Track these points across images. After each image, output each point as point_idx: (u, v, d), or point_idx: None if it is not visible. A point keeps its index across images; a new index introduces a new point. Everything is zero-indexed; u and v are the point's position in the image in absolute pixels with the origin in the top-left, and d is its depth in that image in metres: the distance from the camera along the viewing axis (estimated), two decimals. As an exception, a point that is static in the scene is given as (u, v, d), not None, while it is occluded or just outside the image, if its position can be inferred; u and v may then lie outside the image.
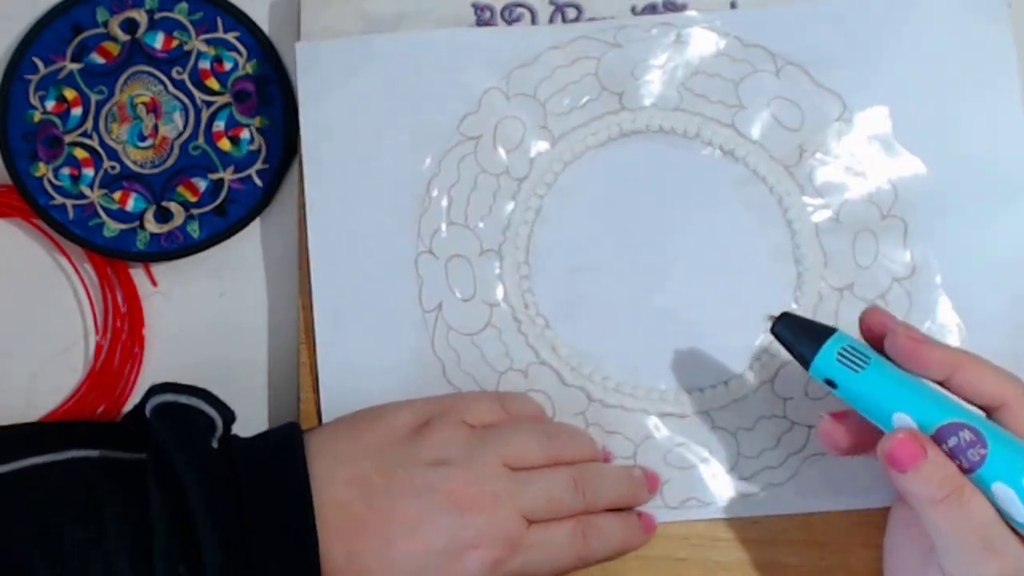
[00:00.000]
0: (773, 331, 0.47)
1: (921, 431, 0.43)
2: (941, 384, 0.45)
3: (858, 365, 0.45)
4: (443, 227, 0.57)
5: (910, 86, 0.57)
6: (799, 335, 0.47)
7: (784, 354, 0.48)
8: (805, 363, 0.46)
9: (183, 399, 0.50)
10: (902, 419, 0.44)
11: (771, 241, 0.56)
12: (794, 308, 0.55)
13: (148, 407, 0.50)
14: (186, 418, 0.50)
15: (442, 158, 0.57)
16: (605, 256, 0.56)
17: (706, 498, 0.54)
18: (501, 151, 0.57)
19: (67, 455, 0.49)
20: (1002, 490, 0.42)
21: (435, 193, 0.57)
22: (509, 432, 0.51)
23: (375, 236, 0.57)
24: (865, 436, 0.47)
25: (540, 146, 0.57)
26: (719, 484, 0.54)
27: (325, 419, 0.55)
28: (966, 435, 0.42)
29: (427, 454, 0.49)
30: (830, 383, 0.46)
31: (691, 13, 0.58)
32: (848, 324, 0.48)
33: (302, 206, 0.57)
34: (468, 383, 0.55)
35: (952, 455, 0.42)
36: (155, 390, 0.51)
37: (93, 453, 0.50)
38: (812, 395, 0.55)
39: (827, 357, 0.45)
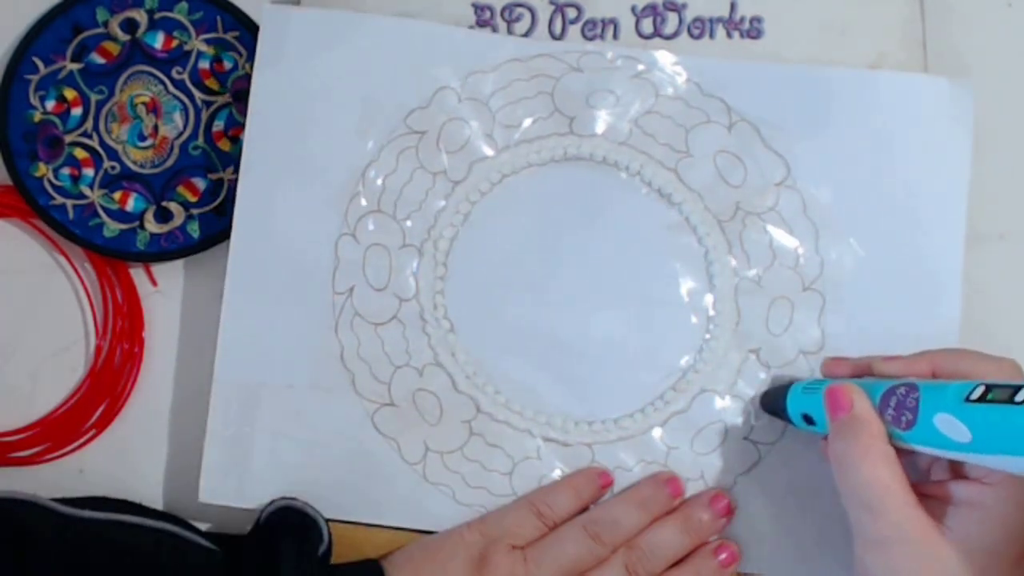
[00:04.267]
0: (761, 405, 0.55)
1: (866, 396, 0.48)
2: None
3: (817, 388, 0.51)
4: (370, 214, 0.57)
5: (858, 166, 0.57)
6: (773, 395, 0.54)
7: (676, 404, 0.55)
8: (783, 411, 0.53)
9: (300, 505, 0.53)
10: None
11: (689, 292, 0.56)
12: (698, 362, 0.56)
13: (269, 509, 0.52)
14: (303, 536, 0.51)
15: (384, 145, 0.57)
16: (522, 274, 0.57)
17: None
18: (443, 151, 0.57)
19: (165, 526, 0.52)
20: (943, 419, 0.44)
21: (369, 178, 0.57)
22: (559, 548, 0.52)
23: (302, 210, 0.56)
24: None
25: (482, 153, 0.57)
26: None
27: (216, 388, 0.55)
28: (901, 390, 0.47)
29: None
30: (807, 419, 0.52)
31: (660, 52, 0.57)
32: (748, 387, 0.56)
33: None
34: (363, 371, 0.55)
35: (898, 411, 0.46)
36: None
37: (192, 536, 0.52)
38: (698, 449, 0.55)
39: (795, 396, 0.52)
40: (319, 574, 0.50)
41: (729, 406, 0.56)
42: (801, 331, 0.56)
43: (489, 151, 0.57)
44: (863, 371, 0.52)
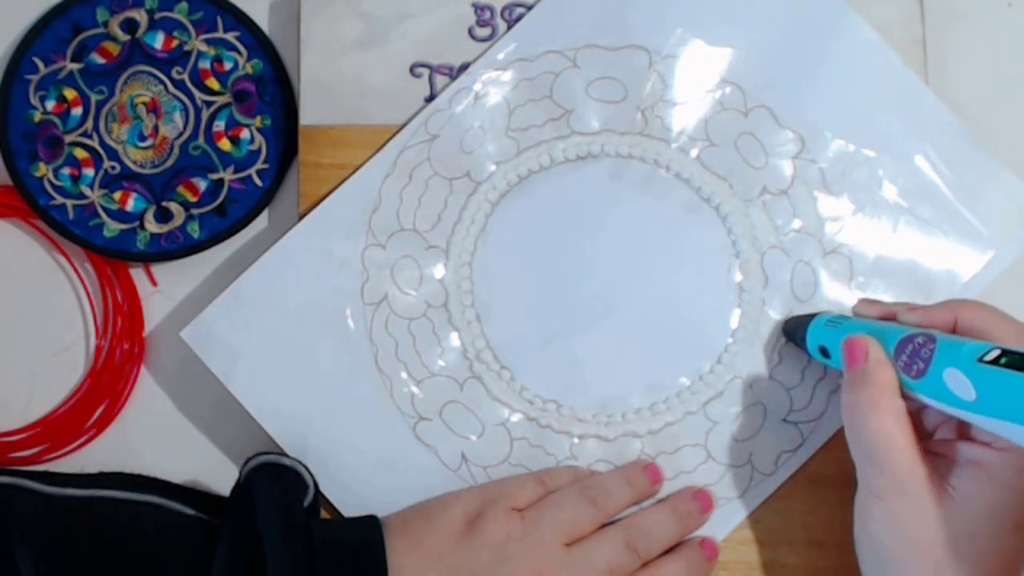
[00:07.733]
0: (783, 330, 0.56)
1: (884, 348, 0.49)
2: (954, 333, 0.49)
3: (839, 324, 0.52)
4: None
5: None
6: (797, 323, 0.55)
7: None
8: (803, 340, 0.54)
9: (283, 460, 0.52)
10: None
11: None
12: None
13: (247, 467, 0.51)
14: (282, 488, 0.51)
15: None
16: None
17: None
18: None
19: (148, 498, 0.51)
20: (951, 374, 0.44)
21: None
22: (557, 509, 0.52)
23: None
24: None
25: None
26: None
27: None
28: (919, 339, 0.47)
29: (488, 553, 0.50)
30: (823, 352, 0.52)
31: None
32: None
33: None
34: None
35: (911, 359, 0.47)
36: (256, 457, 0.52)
37: (175, 506, 0.51)
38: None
39: (817, 327, 0.53)
40: (302, 525, 0.49)
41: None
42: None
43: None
44: (891, 316, 0.52)
